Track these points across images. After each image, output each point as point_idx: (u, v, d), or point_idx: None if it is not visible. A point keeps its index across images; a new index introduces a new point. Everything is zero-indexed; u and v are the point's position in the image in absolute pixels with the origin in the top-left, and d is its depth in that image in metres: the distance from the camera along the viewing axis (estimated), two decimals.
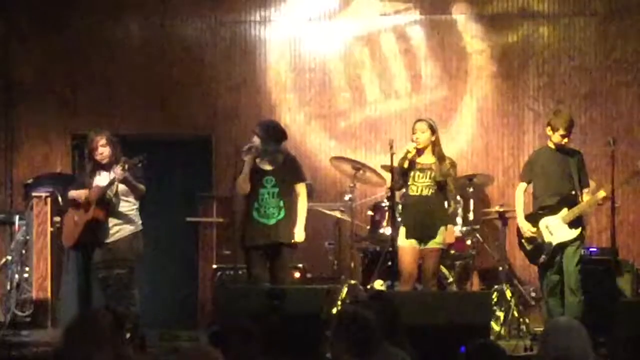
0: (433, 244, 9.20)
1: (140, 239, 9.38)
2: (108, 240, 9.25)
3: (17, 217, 11.22)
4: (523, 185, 9.61)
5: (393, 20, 11.86)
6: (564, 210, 9.33)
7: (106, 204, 9.23)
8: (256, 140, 9.42)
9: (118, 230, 9.29)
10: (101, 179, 9.32)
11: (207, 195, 11.47)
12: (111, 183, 9.16)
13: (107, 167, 9.32)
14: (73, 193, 9.40)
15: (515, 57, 11.72)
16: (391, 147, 9.25)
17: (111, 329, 5.17)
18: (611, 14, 11.61)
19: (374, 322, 5.47)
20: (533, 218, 9.46)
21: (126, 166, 9.06)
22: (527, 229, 9.42)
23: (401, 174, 9.25)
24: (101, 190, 9.21)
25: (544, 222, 9.39)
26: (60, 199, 11.01)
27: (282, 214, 9.39)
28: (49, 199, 10.97)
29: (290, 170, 9.52)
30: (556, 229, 9.34)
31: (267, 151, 9.42)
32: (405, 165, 9.20)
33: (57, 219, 10.99)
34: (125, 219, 9.31)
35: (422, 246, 9.20)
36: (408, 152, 9.19)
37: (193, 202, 11.53)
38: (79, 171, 9.60)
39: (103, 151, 9.29)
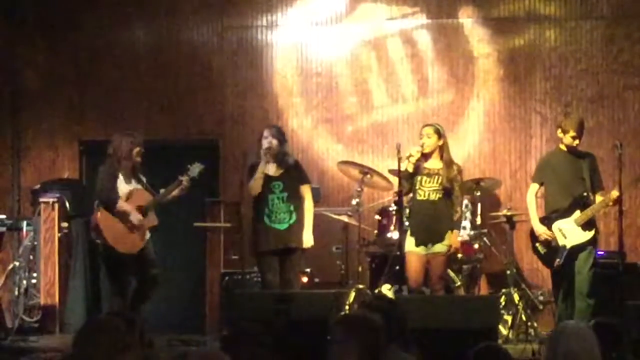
0: (439, 248, 9.21)
1: None
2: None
3: (24, 223, 11.22)
4: (535, 186, 9.58)
5: (400, 24, 11.85)
6: (577, 213, 9.30)
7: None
8: (274, 141, 9.44)
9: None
10: (135, 184, 9.38)
11: (215, 201, 11.46)
12: (180, 189, 9.38)
13: (134, 171, 9.40)
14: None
15: (522, 60, 11.70)
16: (398, 152, 9.25)
17: (126, 333, 5.17)
18: (618, 17, 11.57)
19: (381, 326, 5.45)
20: (546, 221, 9.43)
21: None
22: (543, 231, 9.39)
23: (407, 178, 9.25)
24: (164, 197, 9.40)
25: (557, 225, 9.36)
26: (67, 204, 11.01)
27: (294, 218, 9.45)
28: (56, 205, 10.98)
29: (295, 173, 9.56)
30: (570, 232, 9.32)
31: (284, 153, 9.47)
32: (410, 169, 9.19)
33: (65, 224, 10.99)
34: None
35: (428, 250, 9.20)
36: (411, 155, 9.17)
37: (201, 207, 11.52)
38: (108, 174, 9.37)
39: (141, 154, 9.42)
